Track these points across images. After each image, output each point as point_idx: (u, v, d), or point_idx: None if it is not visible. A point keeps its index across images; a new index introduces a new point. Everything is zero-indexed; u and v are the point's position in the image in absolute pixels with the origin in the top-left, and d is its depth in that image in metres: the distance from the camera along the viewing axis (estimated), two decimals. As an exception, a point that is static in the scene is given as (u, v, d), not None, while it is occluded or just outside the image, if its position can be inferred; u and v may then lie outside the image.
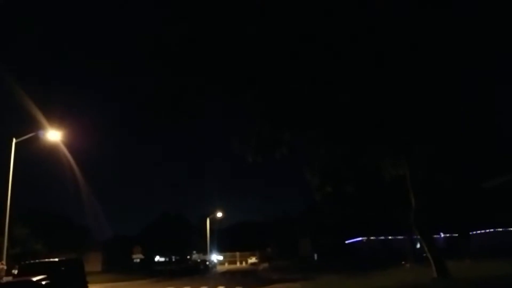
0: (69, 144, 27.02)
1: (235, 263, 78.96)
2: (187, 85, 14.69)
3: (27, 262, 19.45)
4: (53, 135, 24.13)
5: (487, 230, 42.15)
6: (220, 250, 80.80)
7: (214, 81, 14.65)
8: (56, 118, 25.31)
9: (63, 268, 18.58)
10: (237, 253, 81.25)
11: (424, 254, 18.56)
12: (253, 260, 72.94)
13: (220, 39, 13.25)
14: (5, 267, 20.71)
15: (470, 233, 44.23)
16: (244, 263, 76.04)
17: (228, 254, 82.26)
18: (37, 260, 19.87)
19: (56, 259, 19.71)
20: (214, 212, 71.60)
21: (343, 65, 13.28)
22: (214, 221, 72.62)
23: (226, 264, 77.04)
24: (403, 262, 31.34)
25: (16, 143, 23.64)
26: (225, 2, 13.21)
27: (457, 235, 45.02)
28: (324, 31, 12.66)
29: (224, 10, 13.00)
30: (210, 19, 13.22)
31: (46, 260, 19.53)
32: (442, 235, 44.10)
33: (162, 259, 78.65)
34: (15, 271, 19.78)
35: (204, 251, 70.15)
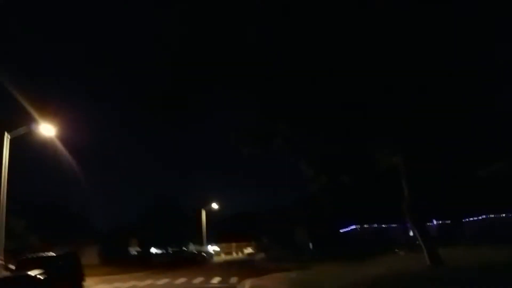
0: (62, 136, 26.92)
1: (231, 253, 79.45)
2: (183, 80, 14.69)
3: (24, 257, 19.53)
4: (46, 128, 24.03)
5: (480, 217, 42.67)
6: (216, 241, 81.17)
7: (213, 77, 14.65)
8: (50, 111, 25.22)
9: (60, 263, 18.74)
10: (233, 244, 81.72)
11: (417, 242, 18.83)
12: (249, 250, 73.44)
13: (219, 38, 13.27)
14: (3, 263, 20.74)
15: (463, 220, 44.75)
16: (240, 254, 76.53)
17: (224, 245, 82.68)
18: (34, 255, 19.95)
19: (53, 254, 19.83)
20: (209, 204, 71.82)
21: (337, 60, 13.33)
22: (209, 212, 72.82)
23: (223, 255, 77.50)
24: (396, 250, 31.74)
25: (8, 137, 23.56)
26: (224, 2, 13.21)
27: (450, 222, 45.52)
28: (322, 30, 12.70)
29: (224, 9, 13.01)
30: (210, 19, 13.23)
31: (43, 255, 19.64)
32: (435, 222, 44.58)
33: (159, 251, 78.93)
34: (13, 266, 19.86)
35: (200, 242, 70.47)
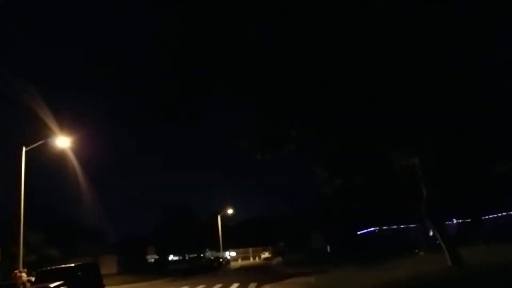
0: (77, 148, 27.23)
1: (248, 258, 79.30)
2: (190, 84, 14.63)
3: (44, 269, 19.69)
4: (62, 142, 24.32)
5: (499, 214, 41.96)
6: (233, 247, 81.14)
7: (216, 78, 14.55)
8: (65, 124, 25.61)
9: (79, 273, 18.86)
10: (250, 249, 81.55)
11: (437, 242, 18.53)
12: (266, 255, 73.18)
13: (220, 38, 13.20)
14: (25, 276, 20.90)
15: (483, 217, 44.04)
16: (257, 259, 76.34)
17: (241, 250, 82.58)
18: (53, 267, 20.11)
19: (72, 265, 19.98)
20: (225, 209, 71.95)
21: (344, 61, 13.19)
22: (225, 217, 72.94)
23: (240, 260, 77.36)
24: (416, 251, 31.32)
25: (26, 151, 23.90)
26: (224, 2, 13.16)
27: (469, 220, 44.82)
28: (325, 29, 12.60)
29: (224, 9, 12.95)
30: (211, 19, 13.18)
31: (63, 266, 19.78)
32: (455, 221, 43.92)
33: (176, 258, 79.25)
34: (32, 278, 20.05)
35: (217, 248, 70.51)
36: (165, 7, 14.17)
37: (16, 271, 21.39)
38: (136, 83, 16.76)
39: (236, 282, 26.19)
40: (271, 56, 13.35)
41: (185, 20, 13.58)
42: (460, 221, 44.40)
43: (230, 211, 73.13)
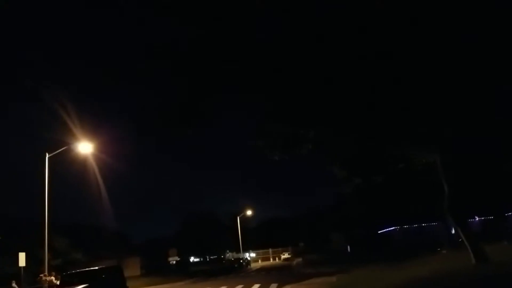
0: (98, 153, 27.64)
1: (268, 259, 79.24)
2: (198, 88, 14.67)
3: (69, 272, 20.14)
4: (85, 147, 24.78)
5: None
6: (253, 248, 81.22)
7: (225, 81, 14.56)
8: (88, 130, 26.07)
9: (103, 276, 19.24)
10: (270, 250, 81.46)
11: (460, 240, 18.27)
12: (286, 255, 73.05)
13: (228, 40, 13.24)
14: (53, 279, 21.36)
15: (506, 214, 43.19)
16: (277, 259, 76.25)
17: (260, 251, 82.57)
18: (78, 270, 20.53)
19: (96, 268, 20.38)
20: (244, 211, 72.23)
21: (359, 56, 13.09)
22: (244, 219, 73.17)
23: (260, 261, 77.38)
24: (438, 249, 30.94)
25: (49, 157, 24.46)
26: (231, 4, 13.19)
27: (492, 217, 43.99)
28: (334, 26, 12.54)
29: (231, 11, 12.99)
30: (218, 22, 13.23)
31: (87, 269, 20.18)
32: (477, 218, 43.18)
33: (197, 260, 79.78)
34: (58, 282, 20.54)
35: (237, 249, 70.75)
36: (173, 9, 14.20)
37: (42, 275, 21.94)
38: (145, 86, 16.90)
39: (257, 283, 26.25)
40: (281, 55, 13.33)
41: (194, 21, 13.62)
42: (483, 218, 43.62)
43: (249, 213, 73.38)
